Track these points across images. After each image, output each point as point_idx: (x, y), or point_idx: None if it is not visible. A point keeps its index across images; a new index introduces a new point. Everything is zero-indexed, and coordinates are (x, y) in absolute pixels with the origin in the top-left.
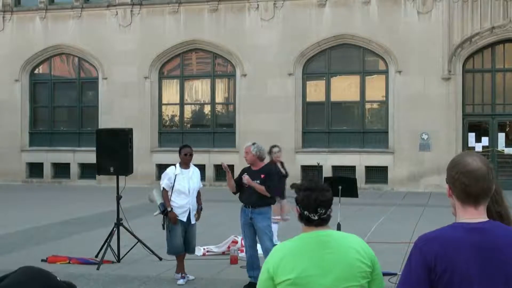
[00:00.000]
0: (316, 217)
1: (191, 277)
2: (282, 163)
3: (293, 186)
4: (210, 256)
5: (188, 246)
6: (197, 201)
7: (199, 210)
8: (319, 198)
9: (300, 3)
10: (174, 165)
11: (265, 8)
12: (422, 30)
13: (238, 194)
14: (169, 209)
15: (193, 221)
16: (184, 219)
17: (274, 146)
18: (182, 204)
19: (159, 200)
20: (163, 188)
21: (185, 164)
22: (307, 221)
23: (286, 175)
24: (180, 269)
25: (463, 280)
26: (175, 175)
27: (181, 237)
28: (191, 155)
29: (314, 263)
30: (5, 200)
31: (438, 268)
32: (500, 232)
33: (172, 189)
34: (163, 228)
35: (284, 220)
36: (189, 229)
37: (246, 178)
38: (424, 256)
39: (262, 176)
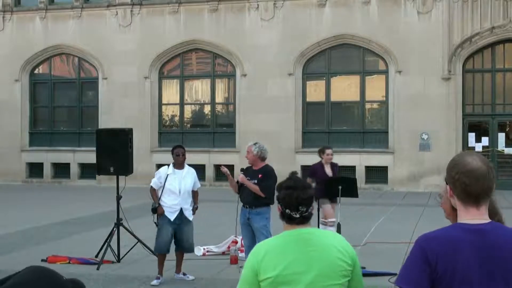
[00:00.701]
0: (297, 215)
1: (191, 277)
2: (333, 165)
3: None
4: (210, 256)
5: (182, 245)
6: (194, 200)
7: (194, 208)
8: (301, 196)
9: (300, 3)
10: (168, 165)
11: (265, 8)
12: (422, 30)
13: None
14: (156, 205)
15: (188, 218)
16: (172, 218)
17: (328, 147)
18: (172, 204)
19: None
20: (151, 186)
21: (178, 165)
22: (289, 219)
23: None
24: (159, 270)
25: (463, 281)
26: (167, 175)
27: (168, 237)
28: (183, 155)
29: (295, 260)
30: (5, 200)
31: (439, 268)
32: (502, 233)
33: (163, 189)
34: (156, 226)
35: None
36: (182, 228)
37: (240, 177)
38: (425, 255)
39: (260, 176)
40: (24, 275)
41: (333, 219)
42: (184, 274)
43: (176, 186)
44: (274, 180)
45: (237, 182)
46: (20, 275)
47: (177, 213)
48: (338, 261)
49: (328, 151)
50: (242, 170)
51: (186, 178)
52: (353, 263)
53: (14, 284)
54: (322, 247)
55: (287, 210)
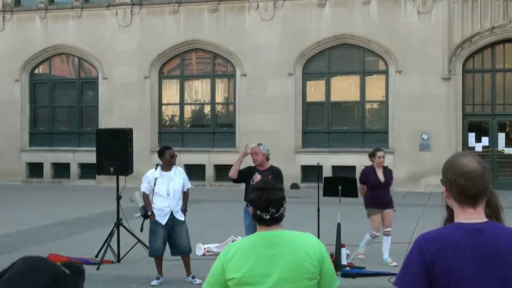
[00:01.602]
0: (268, 216)
1: (198, 281)
2: (384, 169)
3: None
4: (210, 256)
5: (178, 249)
6: (183, 202)
7: (183, 210)
8: (270, 197)
9: (300, 3)
10: (156, 167)
11: (265, 8)
12: (422, 30)
13: (242, 194)
14: (149, 213)
15: (180, 219)
16: (163, 222)
17: (379, 149)
18: (162, 206)
19: (140, 202)
20: (143, 192)
21: (167, 166)
22: (260, 221)
23: (386, 184)
24: (158, 270)
25: (461, 280)
26: (155, 178)
27: (162, 240)
28: (176, 156)
29: (260, 262)
30: (5, 200)
31: (436, 268)
32: (500, 233)
33: (153, 192)
34: (141, 231)
35: (386, 233)
36: (175, 230)
37: (258, 178)
38: (423, 255)
39: (270, 177)
40: (19, 266)
41: (376, 233)
42: (193, 277)
43: (164, 189)
44: (283, 180)
45: (241, 172)
46: (15, 267)
47: (168, 215)
48: (304, 264)
49: (380, 153)
50: (251, 168)
51: (174, 179)
52: (320, 263)
53: (9, 278)
54: (290, 249)
55: (258, 212)
